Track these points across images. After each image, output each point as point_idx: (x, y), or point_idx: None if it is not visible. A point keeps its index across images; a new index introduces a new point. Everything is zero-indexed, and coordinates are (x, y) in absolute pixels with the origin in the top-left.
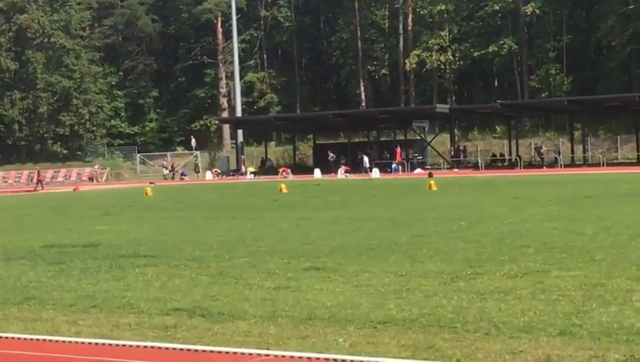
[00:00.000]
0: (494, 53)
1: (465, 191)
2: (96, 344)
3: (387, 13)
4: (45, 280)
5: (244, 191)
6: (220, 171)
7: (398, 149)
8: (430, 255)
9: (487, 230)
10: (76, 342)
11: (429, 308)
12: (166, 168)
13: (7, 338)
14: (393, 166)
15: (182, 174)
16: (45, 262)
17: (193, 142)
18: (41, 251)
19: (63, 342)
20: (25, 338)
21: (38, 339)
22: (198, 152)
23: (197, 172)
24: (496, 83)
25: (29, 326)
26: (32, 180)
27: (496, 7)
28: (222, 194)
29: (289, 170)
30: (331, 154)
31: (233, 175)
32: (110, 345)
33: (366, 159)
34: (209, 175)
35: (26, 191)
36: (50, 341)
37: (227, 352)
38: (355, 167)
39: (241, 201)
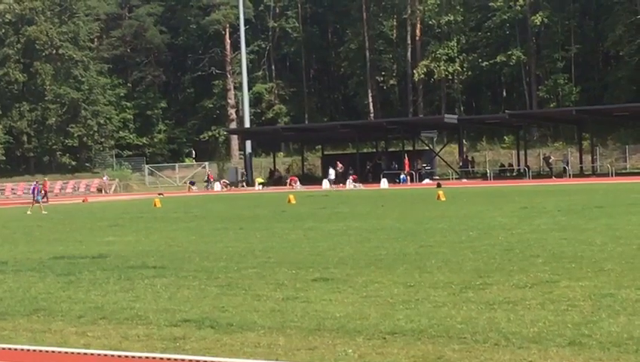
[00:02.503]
0: (502, 64)
1: (473, 202)
2: (105, 355)
3: (395, 23)
4: (54, 291)
5: (253, 202)
6: (228, 182)
7: (406, 160)
8: (439, 265)
9: (496, 240)
10: (85, 354)
11: (438, 319)
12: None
13: (16, 349)
14: (402, 176)
15: (191, 183)
16: (54, 273)
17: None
18: (50, 262)
19: (72, 353)
20: (34, 350)
21: (47, 351)
22: (207, 163)
23: (207, 182)
24: (504, 93)
25: (38, 338)
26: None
27: (505, 17)
28: (230, 205)
29: (297, 180)
30: (340, 165)
31: (242, 185)
32: (119, 356)
33: (331, 171)
34: (217, 186)
35: (35, 202)
36: (60, 352)
37: None
38: (364, 177)
39: (250, 212)
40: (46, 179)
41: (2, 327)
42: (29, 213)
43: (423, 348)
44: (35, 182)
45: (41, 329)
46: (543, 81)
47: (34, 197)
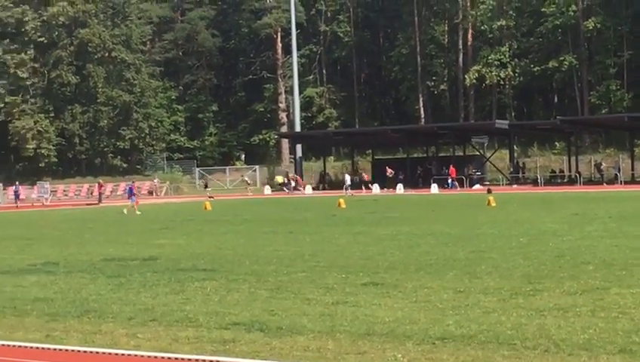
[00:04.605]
0: (554, 69)
1: (524, 208)
2: (155, 357)
3: (447, 28)
4: (105, 293)
5: (303, 205)
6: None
7: (452, 168)
8: (489, 271)
9: (546, 246)
10: (135, 355)
11: (487, 325)
12: (286, 183)
13: (67, 350)
14: (449, 181)
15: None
16: (105, 275)
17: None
18: (101, 264)
19: (122, 354)
20: (84, 351)
21: (97, 352)
22: (257, 167)
23: (286, 184)
24: (555, 99)
25: (89, 339)
26: (92, 193)
27: (557, 23)
28: (280, 209)
29: (299, 180)
30: (389, 170)
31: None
32: (169, 358)
33: (347, 178)
34: (267, 190)
35: (87, 204)
36: (110, 353)
37: None
38: (414, 182)
39: (300, 216)
40: (101, 180)
41: (53, 328)
42: (138, 213)
43: (473, 353)
44: (131, 182)
45: (91, 330)
46: (594, 87)
47: (130, 197)
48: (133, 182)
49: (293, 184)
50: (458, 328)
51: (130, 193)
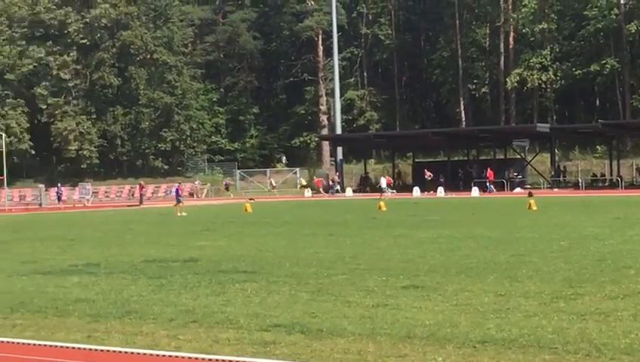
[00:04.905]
0: (596, 73)
1: (565, 211)
2: (196, 358)
3: (488, 31)
4: (146, 294)
5: (343, 208)
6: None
7: (490, 170)
8: (530, 275)
9: (587, 250)
10: (176, 356)
11: (528, 328)
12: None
13: (108, 351)
14: (487, 185)
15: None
16: (146, 276)
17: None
18: (142, 265)
19: (163, 356)
20: (126, 352)
21: (138, 353)
22: (297, 169)
23: (330, 187)
24: (597, 102)
25: (130, 340)
26: (133, 195)
27: (599, 26)
28: (320, 211)
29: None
30: (428, 173)
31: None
32: (210, 359)
33: (383, 180)
34: (308, 192)
35: (128, 205)
36: (151, 355)
37: None
38: (454, 185)
39: (340, 218)
40: (142, 182)
41: (95, 329)
42: (184, 214)
43: (514, 357)
44: (177, 184)
45: (132, 331)
46: (637, 90)
47: (177, 198)
48: (179, 184)
49: (337, 187)
50: (499, 331)
51: (177, 195)
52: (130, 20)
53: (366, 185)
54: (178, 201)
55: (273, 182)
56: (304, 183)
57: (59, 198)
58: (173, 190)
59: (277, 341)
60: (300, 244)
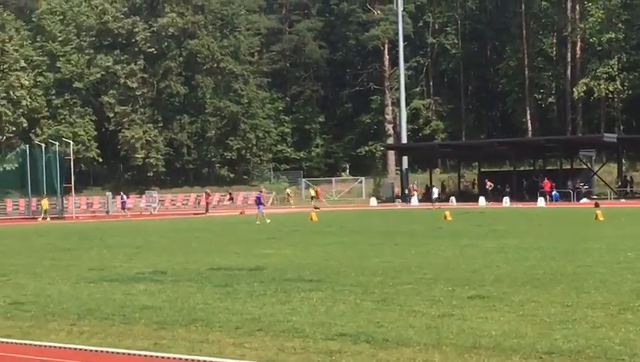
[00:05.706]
0: None
1: (632, 222)
2: None
3: (555, 41)
4: (212, 302)
5: (408, 218)
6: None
7: (546, 180)
8: (597, 286)
9: None
10: None
11: (595, 340)
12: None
13: (174, 358)
14: (554, 194)
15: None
16: (212, 284)
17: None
18: (208, 273)
19: None
20: (192, 359)
21: (204, 361)
22: (362, 178)
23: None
24: None
25: (196, 348)
26: (198, 203)
27: None
28: (386, 221)
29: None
30: (489, 183)
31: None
32: None
33: (435, 190)
34: (373, 201)
35: (194, 213)
36: None
37: None
38: (520, 195)
39: (406, 228)
40: (207, 190)
41: (161, 336)
42: (268, 221)
43: None
44: (258, 192)
45: (198, 339)
46: None
47: (258, 206)
48: (260, 191)
49: (414, 195)
50: (565, 343)
51: (258, 202)
52: (197, 29)
53: (431, 194)
54: (259, 209)
55: (289, 191)
56: (313, 193)
57: (123, 206)
58: (254, 197)
59: (342, 350)
60: (365, 253)
